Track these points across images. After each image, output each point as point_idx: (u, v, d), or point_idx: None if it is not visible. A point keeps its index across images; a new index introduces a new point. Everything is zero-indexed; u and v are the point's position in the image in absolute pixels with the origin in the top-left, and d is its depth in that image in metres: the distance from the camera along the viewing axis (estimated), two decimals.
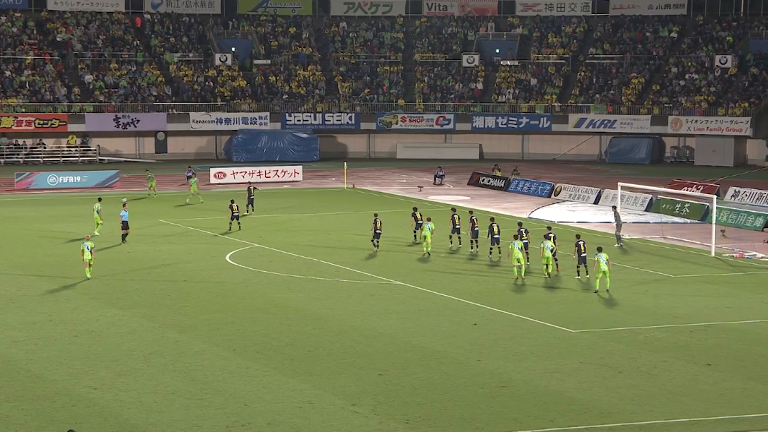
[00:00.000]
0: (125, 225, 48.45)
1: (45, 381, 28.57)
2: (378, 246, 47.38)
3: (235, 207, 52.21)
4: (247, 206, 57.56)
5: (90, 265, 40.85)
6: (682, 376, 29.57)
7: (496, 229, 45.63)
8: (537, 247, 42.90)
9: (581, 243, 41.44)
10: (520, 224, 45.66)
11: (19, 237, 50.90)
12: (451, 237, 48.15)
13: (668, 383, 28.94)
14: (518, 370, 29.85)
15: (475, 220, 47.14)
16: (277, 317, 35.77)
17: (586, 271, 41.36)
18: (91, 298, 38.20)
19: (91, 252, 40.77)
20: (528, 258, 42.57)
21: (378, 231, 47.41)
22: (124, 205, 50.04)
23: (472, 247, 47.00)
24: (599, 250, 39.82)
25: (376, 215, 48.39)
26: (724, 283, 42.34)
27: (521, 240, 42.21)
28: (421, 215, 48.97)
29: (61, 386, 28.12)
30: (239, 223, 52.26)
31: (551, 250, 41.47)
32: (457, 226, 47.70)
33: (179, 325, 34.64)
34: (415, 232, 49.15)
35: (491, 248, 46.06)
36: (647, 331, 34.23)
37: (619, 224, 49.68)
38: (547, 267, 41.76)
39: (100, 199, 51.99)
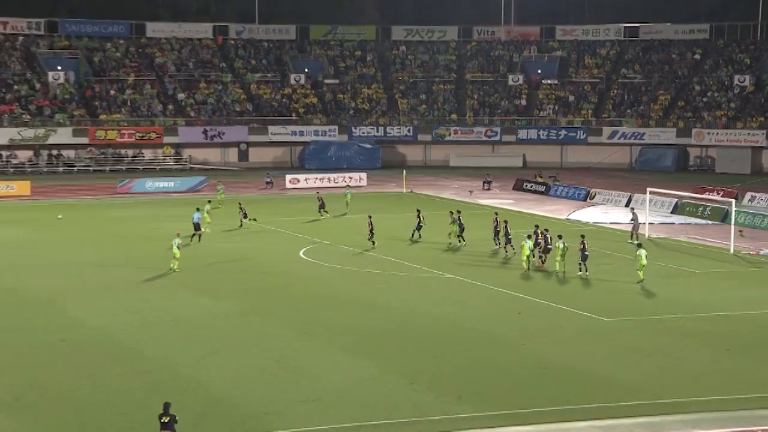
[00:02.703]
0: (197, 227, 48.48)
1: (147, 358, 29.02)
2: (375, 244, 46.89)
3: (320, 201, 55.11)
4: (320, 210, 57.22)
5: (176, 258, 41.18)
6: (702, 360, 29.40)
7: (505, 229, 45.54)
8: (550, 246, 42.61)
9: (584, 242, 41.21)
10: (536, 226, 44.97)
11: (121, 234, 51.56)
12: (495, 239, 47.02)
13: (690, 366, 28.79)
14: (557, 354, 29.83)
15: (506, 227, 45.84)
16: (343, 305, 35.95)
17: (586, 269, 40.88)
18: (183, 288, 38.66)
19: (178, 247, 41.19)
20: (540, 256, 42.50)
21: (372, 230, 47.22)
22: (201, 208, 50.06)
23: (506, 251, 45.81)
24: (639, 246, 40.43)
25: (370, 216, 48.37)
26: (742, 277, 41.92)
27: (532, 239, 42.39)
28: (422, 217, 49.18)
29: (162, 363, 28.57)
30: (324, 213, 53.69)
31: (563, 250, 41.12)
32: (498, 229, 46.59)
33: (259, 311, 34.97)
34: (417, 231, 49.20)
35: (505, 247, 45.63)
36: (672, 320, 34.03)
37: (636, 224, 49.35)
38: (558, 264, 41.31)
39: (209, 201, 52.92)
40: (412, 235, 49.44)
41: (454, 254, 46.14)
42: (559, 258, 41.26)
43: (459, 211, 49.36)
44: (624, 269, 42.77)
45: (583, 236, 42.22)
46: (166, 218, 56.28)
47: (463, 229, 47.79)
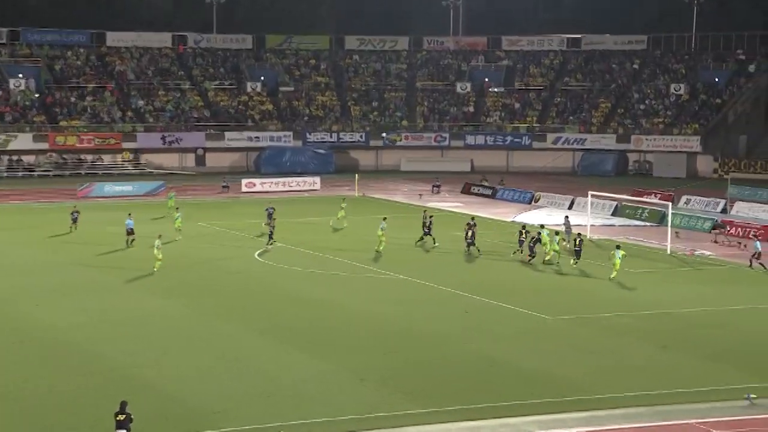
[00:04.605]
0: (130, 231, 47.53)
1: (99, 359, 28.39)
2: (271, 244, 46.63)
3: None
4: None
5: (159, 259, 40.69)
6: (641, 356, 29.39)
7: (470, 234, 45.80)
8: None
9: (579, 239, 43.22)
10: (542, 226, 46.75)
11: (79, 236, 50.72)
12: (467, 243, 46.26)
13: (630, 362, 28.77)
14: (503, 351, 29.67)
15: (522, 232, 45.95)
16: (297, 305, 35.58)
17: (576, 261, 42.97)
18: (137, 289, 38.06)
19: (158, 248, 40.68)
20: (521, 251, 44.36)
21: (271, 232, 47.17)
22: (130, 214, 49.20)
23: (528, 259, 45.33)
24: (617, 247, 41.27)
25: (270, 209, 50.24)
26: (678, 277, 42.12)
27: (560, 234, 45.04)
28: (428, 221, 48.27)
29: (113, 364, 27.96)
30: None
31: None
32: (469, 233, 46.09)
33: (213, 311, 34.46)
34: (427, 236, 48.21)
35: (469, 248, 45.90)
36: (612, 318, 34.04)
37: (569, 231, 48.89)
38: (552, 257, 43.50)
39: (177, 208, 51.94)
40: (421, 239, 48.03)
41: (409, 256, 45.85)
42: (555, 249, 43.43)
43: (431, 216, 49.40)
44: (567, 270, 42.82)
45: (579, 234, 44.26)
46: (122, 222, 55.40)
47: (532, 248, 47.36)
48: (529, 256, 43.89)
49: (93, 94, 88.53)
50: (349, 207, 57.12)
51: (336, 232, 53.29)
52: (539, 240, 44.11)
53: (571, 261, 43.25)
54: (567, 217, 51.59)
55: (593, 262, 44.01)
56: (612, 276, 40.17)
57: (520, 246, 45.19)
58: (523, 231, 45.86)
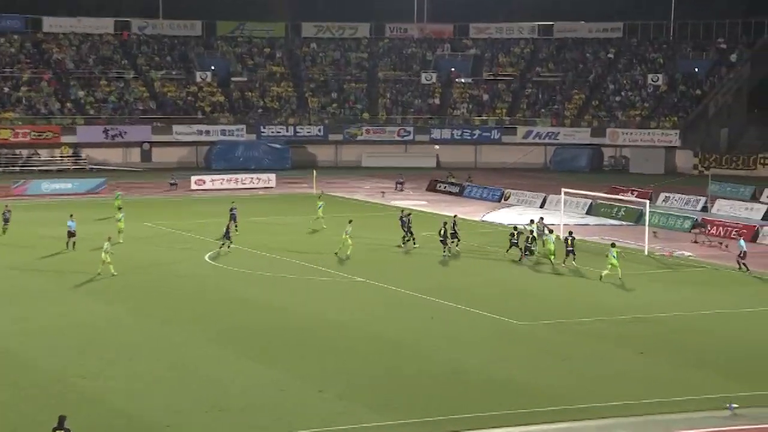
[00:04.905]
0: (71, 233, 47.14)
1: (38, 370, 28.17)
2: (229, 246, 46.21)
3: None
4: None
5: (109, 263, 40.40)
6: (617, 363, 29.64)
7: (443, 231, 46.20)
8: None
9: (570, 238, 44.13)
10: (541, 220, 47.85)
11: (12, 238, 50.21)
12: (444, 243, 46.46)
13: (605, 370, 29.01)
14: (470, 359, 29.81)
15: (515, 234, 46.55)
16: (250, 311, 35.54)
17: (571, 260, 43.85)
18: (80, 294, 37.78)
19: (106, 252, 40.33)
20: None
21: (228, 231, 46.94)
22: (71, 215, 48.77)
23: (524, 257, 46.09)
24: (612, 246, 41.90)
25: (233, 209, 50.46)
26: (656, 279, 42.54)
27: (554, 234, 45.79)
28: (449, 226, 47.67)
29: (53, 375, 27.74)
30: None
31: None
32: (445, 234, 46.22)
33: (161, 318, 34.34)
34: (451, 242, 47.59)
35: (448, 247, 46.25)
36: (587, 323, 34.31)
37: (541, 234, 49.21)
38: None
39: (120, 208, 51.44)
40: (444, 243, 46.74)
41: (372, 258, 45.90)
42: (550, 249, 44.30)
43: (409, 214, 49.65)
44: (542, 272, 43.11)
45: (570, 232, 44.90)
46: (63, 221, 54.95)
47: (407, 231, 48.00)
48: (524, 255, 45.06)
49: (28, 84, 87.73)
50: (307, 206, 57.04)
51: (293, 233, 53.22)
52: (535, 239, 45.52)
53: (564, 261, 44.00)
54: (542, 218, 51.53)
55: (566, 264, 44.32)
56: (605, 273, 41.01)
57: (511, 247, 45.87)
58: (515, 233, 46.35)
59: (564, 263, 43.91)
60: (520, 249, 45.42)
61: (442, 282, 40.98)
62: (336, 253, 45.58)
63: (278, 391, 26.67)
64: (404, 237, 48.59)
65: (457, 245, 47.09)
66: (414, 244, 48.17)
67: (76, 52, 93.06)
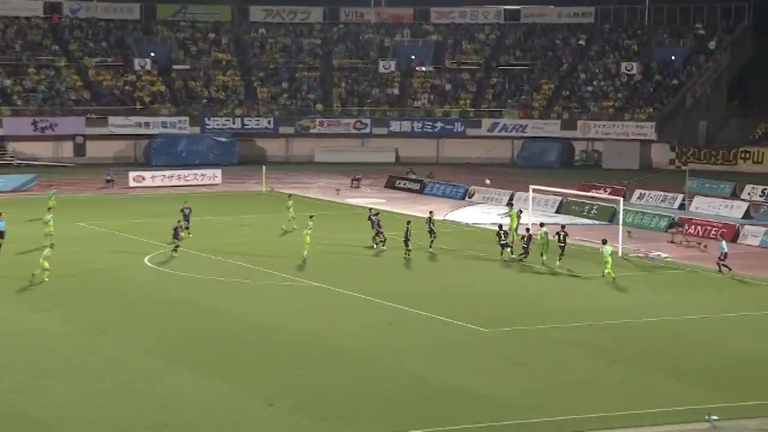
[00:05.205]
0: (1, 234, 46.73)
1: None
2: (176, 249, 46.21)
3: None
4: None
5: (46, 269, 40.11)
6: (589, 373, 29.84)
7: (407, 231, 46.83)
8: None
9: (562, 234, 45.10)
10: (541, 225, 47.76)
11: None
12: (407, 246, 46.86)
13: (576, 380, 29.18)
14: (432, 369, 29.88)
15: (502, 234, 47.23)
16: (194, 318, 35.41)
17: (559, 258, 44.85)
18: (8, 301, 37.42)
19: (45, 259, 40.02)
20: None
21: (177, 232, 46.78)
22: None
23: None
24: (604, 242, 42.93)
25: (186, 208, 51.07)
26: (630, 282, 42.86)
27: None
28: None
29: None
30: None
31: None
32: (408, 237, 46.70)
33: (98, 326, 34.11)
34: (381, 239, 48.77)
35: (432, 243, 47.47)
36: (556, 330, 34.52)
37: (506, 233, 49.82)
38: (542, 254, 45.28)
39: (50, 208, 50.69)
40: (380, 241, 48.58)
41: (329, 260, 45.88)
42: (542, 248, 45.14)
43: (377, 213, 50.04)
44: (512, 273, 43.32)
45: (563, 226, 46.23)
46: None
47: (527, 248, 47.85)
48: (522, 254, 45.97)
49: None
50: (255, 205, 56.90)
51: (244, 234, 53.08)
52: (531, 237, 46.20)
53: (558, 260, 44.88)
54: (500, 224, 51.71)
55: (536, 266, 44.59)
56: (606, 272, 42.06)
57: (503, 248, 46.63)
58: (501, 232, 47.03)
59: (558, 262, 44.73)
60: (511, 247, 46.51)
61: (405, 286, 41.06)
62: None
63: (226, 405, 26.59)
64: (374, 237, 48.78)
65: (431, 244, 48.02)
66: (383, 245, 48.25)
67: (1, 36, 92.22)
